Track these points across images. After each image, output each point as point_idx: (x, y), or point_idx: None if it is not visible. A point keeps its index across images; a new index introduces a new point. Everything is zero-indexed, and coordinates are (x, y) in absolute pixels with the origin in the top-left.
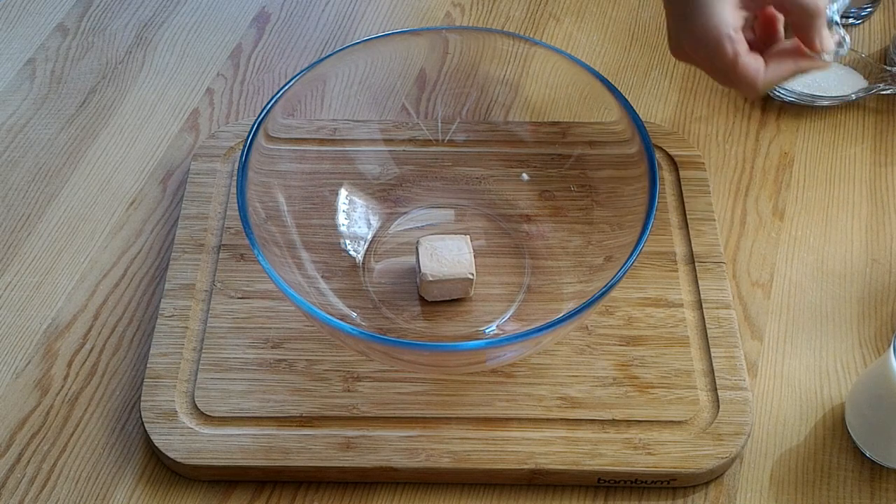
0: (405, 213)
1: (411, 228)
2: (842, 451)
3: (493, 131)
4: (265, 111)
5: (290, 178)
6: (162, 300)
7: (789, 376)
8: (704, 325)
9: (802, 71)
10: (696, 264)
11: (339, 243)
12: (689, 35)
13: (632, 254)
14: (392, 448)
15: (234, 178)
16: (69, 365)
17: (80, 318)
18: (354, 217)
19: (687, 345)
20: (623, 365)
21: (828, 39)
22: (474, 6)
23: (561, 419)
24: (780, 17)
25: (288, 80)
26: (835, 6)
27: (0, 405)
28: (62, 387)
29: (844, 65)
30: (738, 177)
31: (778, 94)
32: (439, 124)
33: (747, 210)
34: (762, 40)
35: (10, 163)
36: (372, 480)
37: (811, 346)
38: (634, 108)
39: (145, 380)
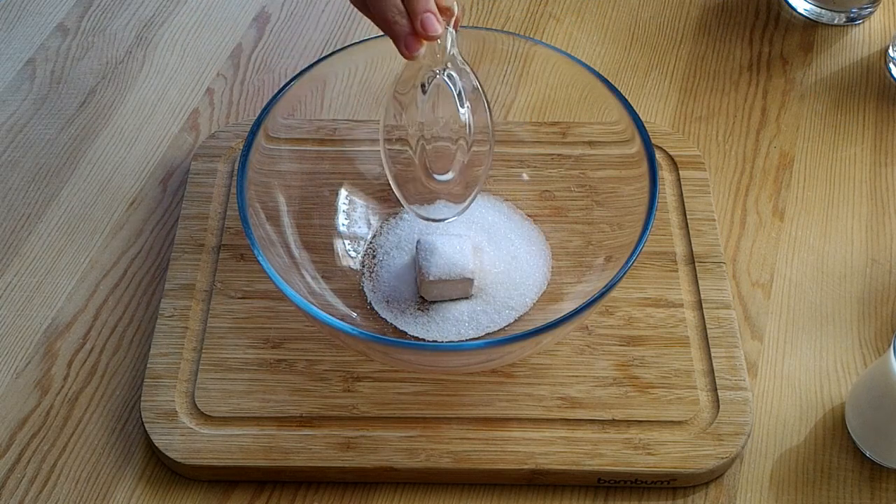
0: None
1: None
2: (842, 451)
3: (494, 131)
4: (265, 111)
5: (290, 178)
6: (162, 300)
7: (789, 376)
8: (704, 325)
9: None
10: (696, 264)
11: (339, 243)
12: None
13: (632, 254)
14: (392, 448)
15: (234, 178)
16: (69, 365)
17: (80, 318)
18: (354, 217)
19: (687, 345)
20: (623, 365)
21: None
22: (474, 6)
23: (561, 419)
24: None
25: (288, 80)
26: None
27: (0, 405)
28: (62, 387)
29: None
30: (738, 177)
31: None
32: None
33: (747, 210)
34: None
35: (10, 163)
36: (372, 480)
37: (811, 346)
38: (634, 108)
39: (145, 380)
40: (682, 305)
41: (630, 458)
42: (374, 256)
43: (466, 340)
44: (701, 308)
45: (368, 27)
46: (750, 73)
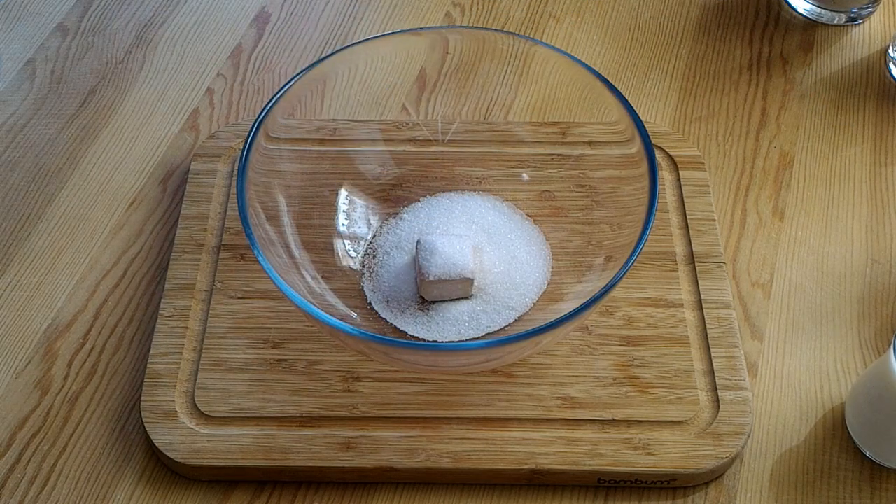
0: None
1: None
2: (842, 451)
3: (493, 131)
4: (265, 111)
5: (290, 178)
6: (162, 300)
7: (789, 376)
8: (704, 325)
9: None
10: (696, 264)
11: (339, 243)
12: None
13: (632, 254)
14: (392, 448)
15: (234, 178)
16: (69, 365)
17: (80, 318)
18: (354, 217)
19: (687, 345)
20: (623, 365)
21: None
22: (474, 6)
23: (561, 419)
24: None
25: (288, 80)
26: None
27: (0, 405)
28: (62, 387)
29: None
30: (738, 177)
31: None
32: (439, 124)
33: (747, 210)
34: None
35: (10, 163)
36: (372, 480)
37: (811, 346)
38: (634, 108)
39: (145, 380)
40: (682, 305)
41: (630, 458)
42: (374, 256)
43: (466, 340)
44: (701, 308)
45: (368, 27)
46: (750, 73)
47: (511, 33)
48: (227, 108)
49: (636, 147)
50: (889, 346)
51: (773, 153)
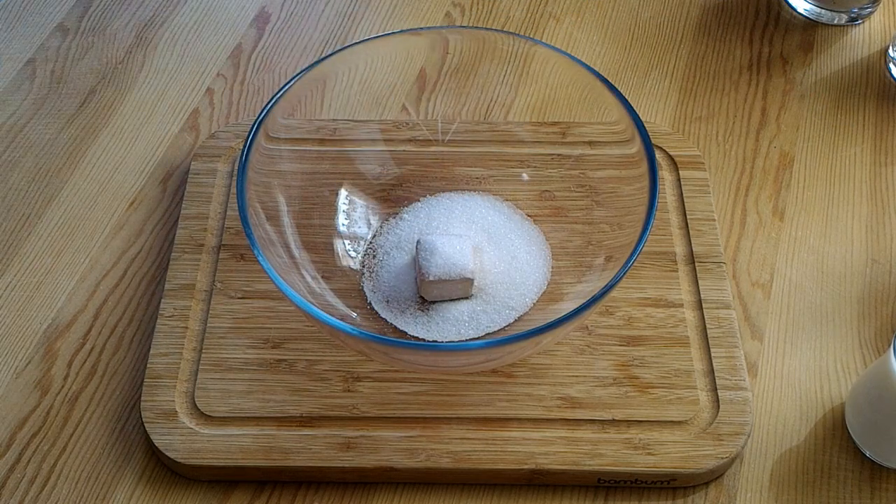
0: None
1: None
2: (842, 451)
3: (493, 131)
4: (265, 111)
5: (290, 178)
6: (162, 300)
7: (789, 376)
8: (704, 325)
9: None
10: (696, 264)
11: (339, 243)
12: None
13: (632, 254)
14: (392, 448)
15: (234, 178)
16: (69, 365)
17: (80, 318)
18: (354, 217)
19: (687, 345)
20: (623, 365)
21: None
22: (474, 6)
23: (561, 419)
24: None
25: (288, 80)
26: None
27: (0, 405)
28: (62, 387)
29: None
30: (738, 177)
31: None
32: (439, 124)
33: (747, 210)
34: None
35: (10, 163)
36: (372, 480)
37: (811, 346)
38: (634, 108)
39: (145, 380)
40: (682, 305)
41: (630, 458)
42: (374, 256)
43: (466, 340)
44: (701, 308)
45: (368, 27)
46: (750, 73)
47: (511, 33)
48: (227, 108)
49: (636, 147)
50: (889, 346)
51: (773, 153)
